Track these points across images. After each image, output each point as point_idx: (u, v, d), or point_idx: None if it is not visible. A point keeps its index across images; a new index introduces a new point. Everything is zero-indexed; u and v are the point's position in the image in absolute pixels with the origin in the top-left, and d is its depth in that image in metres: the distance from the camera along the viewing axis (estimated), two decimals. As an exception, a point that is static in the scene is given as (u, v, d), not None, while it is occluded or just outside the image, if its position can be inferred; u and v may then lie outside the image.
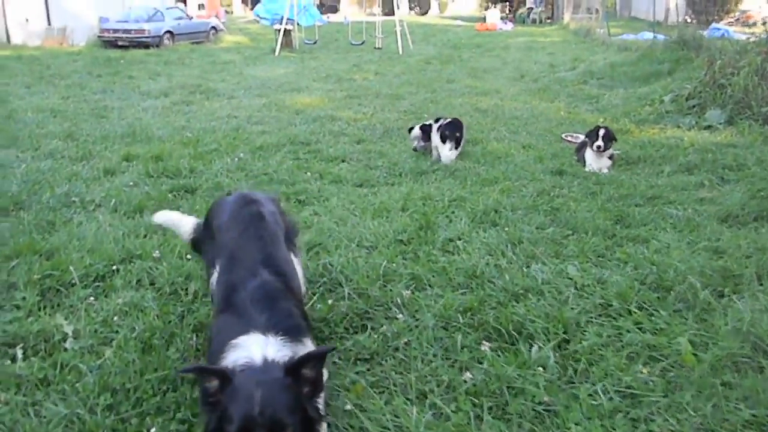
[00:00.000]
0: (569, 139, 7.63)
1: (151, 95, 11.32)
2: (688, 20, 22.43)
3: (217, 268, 2.52)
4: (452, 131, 6.40)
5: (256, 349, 2.07)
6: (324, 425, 2.10)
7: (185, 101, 10.68)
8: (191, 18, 23.38)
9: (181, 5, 24.84)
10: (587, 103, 10.50)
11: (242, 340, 2.16)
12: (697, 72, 9.96)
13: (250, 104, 10.41)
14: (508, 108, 10.06)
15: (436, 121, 6.77)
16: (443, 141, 6.42)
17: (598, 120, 8.78)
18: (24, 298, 3.28)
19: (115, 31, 20.06)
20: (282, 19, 20.04)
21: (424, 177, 5.97)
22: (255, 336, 2.18)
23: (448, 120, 6.61)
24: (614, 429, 2.30)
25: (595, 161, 6.31)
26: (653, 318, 3.12)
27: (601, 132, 6.31)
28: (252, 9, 36.63)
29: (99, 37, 20.33)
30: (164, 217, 3.27)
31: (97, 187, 5.31)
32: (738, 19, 22.65)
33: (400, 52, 18.90)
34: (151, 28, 19.94)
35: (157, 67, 15.61)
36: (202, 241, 2.94)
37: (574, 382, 2.61)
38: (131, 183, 5.46)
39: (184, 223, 3.19)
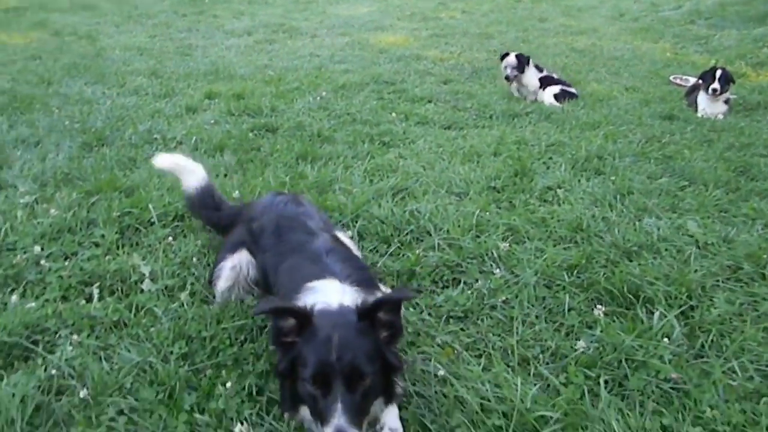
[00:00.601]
0: (678, 81, 6.95)
1: (235, 34, 11.17)
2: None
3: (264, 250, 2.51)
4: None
5: (333, 294, 1.98)
6: (402, 375, 2.00)
7: (268, 40, 10.47)
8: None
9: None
10: (696, 44, 9.59)
11: (319, 284, 2.08)
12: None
13: (332, 43, 10.09)
14: (606, 48, 9.32)
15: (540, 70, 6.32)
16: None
17: (709, 62, 7.99)
18: (103, 236, 3.16)
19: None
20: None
21: (517, 120, 5.54)
22: (332, 282, 2.10)
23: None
24: (759, 415, 1.94)
25: (709, 106, 5.69)
26: (794, 284, 2.69)
27: (718, 73, 5.67)
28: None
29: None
30: (168, 161, 3.03)
31: (179, 125, 5.18)
32: None
33: (489, -11, 17.96)
34: (235, -33, 19.74)
35: (241, 6, 15.43)
36: (227, 223, 2.91)
37: (704, 357, 2.24)
38: (212, 121, 5.30)
39: (190, 170, 3.00)
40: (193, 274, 2.85)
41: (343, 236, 2.73)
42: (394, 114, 5.59)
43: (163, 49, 9.28)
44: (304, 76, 7.12)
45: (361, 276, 2.22)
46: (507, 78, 6.30)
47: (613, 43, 9.80)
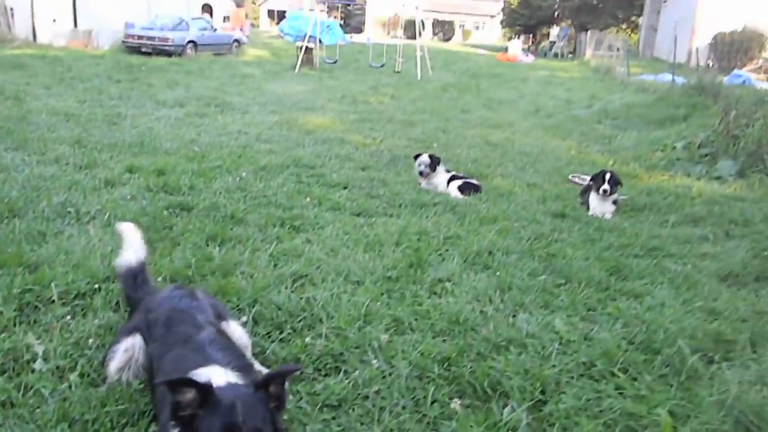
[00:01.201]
0: (576, 180, 7.56)
1: (167, 105, 11.39)
2: (711, 64, 22.31)
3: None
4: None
5: (218, 378, 2.17)
6: None
7: (199, 113, 10.73)
8: (215, 30, 23.64)
9: (206, 16, 25.11)
10: (599, 143, 10.45)
11: (203, 371, 2.26)
12: (712, 120, 9.87)
13: (262, 120, 10.44)
14: (519, 143, 10.02)
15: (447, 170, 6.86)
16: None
17: (607, 162, 8.74)
18: (1, 313, 3.23)
19: (140, 37, 20.31)
20: (305, 36, 20.20)
21: (424, 210, 5.90)
22: (215, 368, 2.29)
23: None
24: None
25: (599, 205, 6.23)
26: (636, 382, 3.02)
27: (607, 176, 6.24)
28: (278, 24, 37.01)
29: (123, 42, 20.59)
30: (126, 230, 3.25)
31: (95, 199, 5.28)
32: (761, 66, 22.50)
33: (419, 78, 18.96)
34: (175, 37, 20.18)
35: (177, 76, 15.74)
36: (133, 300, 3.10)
37: (546, 448, 2.52)
38: (129, 196, 5.43)
39: (131, 246, 3.19)
40: (86, 354, 2.95)
41: (235, 324, 2.92)
42: (308, 198, 5.87)
43: (91, 116, 9.37)
44: (227, 155, 7.37)
45: (241, 362, 2.45)
46: (420, 174, 6.72)
47: (525, 138, 10.55)
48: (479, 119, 12.35)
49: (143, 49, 19.92)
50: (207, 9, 28.65)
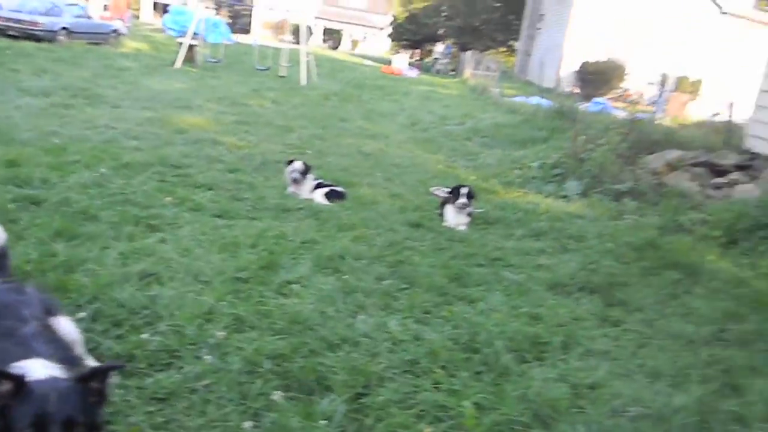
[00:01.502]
0: (437, 192, 7.95)
1: (31, 93, 10.82)
2: (576, 91, 24.06)
3: None
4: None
5: (39, 370, 2.20)
6: None
7: (65, 104, 10.28)
8: (90, 18, 22.55)
9: (82, 2, 23.89)
10: (466, 159, 11.02)
11: (25, 363, 2.26)
12: (566, 142, 10.71)
13: (133, 116, 10.16)
14: (391, 154, 10.38)
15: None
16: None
17: (469, 177, 9.24)
18: None
19: (7, 19, 19.01)
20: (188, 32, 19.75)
21: (287, 214, 6.04)
22: (38, 361, 2.30)
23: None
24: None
25: (454, 217, 6.63)
26: (453, 378, 3.33)
27: (464, 190, 6.66)
28: (162, 17, 35.84)
29: (-12, 23, 19.19)
30: None
31: (-67, 188, 5.01)
32: (620, 95, 24.53)
33: (303, 83, 19.06)
34: (46, 22, 19.07)
35: (46, 63, 14.92)
36: None
37: (360, 437, 2.75)
38: (-28, 187, 5.19)
39: None
40: None
41: (65, 320, 2.92)
42: (169, 198, 5.84)
43: (-59, 100, 8.74)
44: (89, 149, 7.15)
45: (66, 356, 2.48)
46: (294, 180, 6.83)
47: (397, 149, 10.94)
48: (357, 129, 12.65)
49: (10, 32, 18.65)
50: (85, -5, 27.24)
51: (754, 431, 3.26)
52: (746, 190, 7.68)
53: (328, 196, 6.69)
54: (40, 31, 18.86)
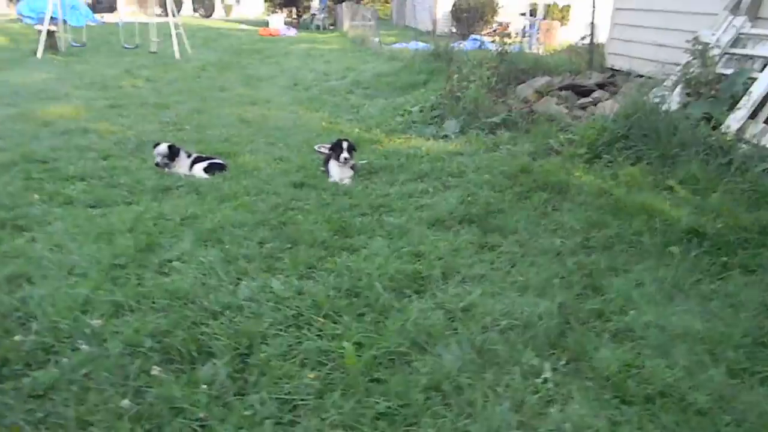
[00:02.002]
0: (321, 150, 8.01)
1: None
2: (453, 31, 24.43)
3: None
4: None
5: None
6: None
7: None
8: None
9: None
10: (349, 112, 11.07)
11: None
12: (444, 84, 10.94)
13: (-7, 115, 9.53)
14: (273, 118, 10.29)
15: (188, 155, 6.83)
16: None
17: (354, 130, 9.32)
18: None
19: None
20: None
21: (166, 193, 5.94)
22: None
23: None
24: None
25: (338, 172, 6.71)
26: (336, 324, 3.47)
27: (345, 144, 6.73)
28: (16, 5, 33.24)
29: None
30: None
31: None
32: (495, 30, 25.10)
33: (177, 57, 18.37)
34: None
35: None
36: None
37: (243, 394, 2.84)
38: None
39: None
40: None
41: None
42: (37, 195, 5.61)
43: None
44: (-57, 156, 6.71)
45: None
46: (157, 164, 6.64)
47: (280, 112, 10.84)
48: (237, 97, 12.40)
49: None
50: None
51: (612, 323, 3.60)
52: (607, 106, 8.18)
53: (207, 169, 6.60)
54: None
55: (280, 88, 14.05)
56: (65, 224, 4.96)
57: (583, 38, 15.47)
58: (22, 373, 2.95)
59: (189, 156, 6.84)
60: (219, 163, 6.79)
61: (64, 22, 20.11)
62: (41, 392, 2.79)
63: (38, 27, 18.76)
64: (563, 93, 9.08)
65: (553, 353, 3.29)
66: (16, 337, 3.19)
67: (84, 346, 3.10)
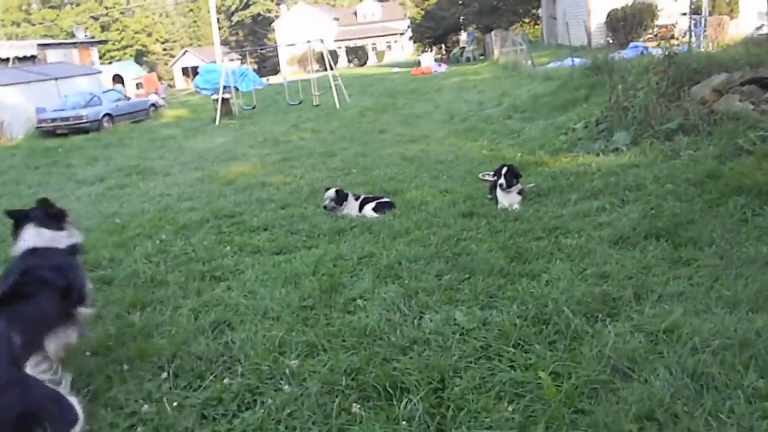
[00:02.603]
0: (486, 178, 7.92)
1: (87, 182, 11.42)
2: (610, 41, 23.42)
3: None
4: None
5: None
6: None
7: (120, 185, 10.80)
8: (129, 98, 23.67)
9: (118, 86, 25.11)
10: (509, 138, 10.92)
11: None
12: (607, 96, 10.44)
13: (184, 179, 10.58)
14: (433, 153, 10.40)
15: (357, 198, 7.07)
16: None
17: (517, 155, 9.15)
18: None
19: (53, 120, 20.22)
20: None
21: (342, 235, 6.15)
22: None
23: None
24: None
25: (505, 198, 6.58)
26: (527, 354, 3.32)
27: (504, 170, 6.61)
28: (192, 80, 37.16)
29: (37, 127, 20.43)
30: None
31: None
32: (656, 34, 23.70)
33: (338, 107, 19.35)
34: (89, 113, 20.15)
35: (96, 151, 15.74)
36: None
37: (443, 430, 2.78)
38: (50, 281, 5.53)
39: None
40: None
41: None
42: (228, 247, 6.06)
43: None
44: (148, 220, 7.50)
45: None
46: (325, 207, 6.94)
47: (440, 146, 10.94)
48: (396, 137, 12.73)
49: (59, 131, 19.83)
50: (118, 79, 28.63)
51: None
52: (802, 96, 7.29)
53: (376, 209, 6.77)
54: (85, 122, 19.94)
55: (437, 122, 14.24)
56: (255, 272, 5.28)
57: (759, 28, 14.12)
58: (233, 414, 3.13)
59: (357, 198, 7.06)
60: (387, 202, 6.94)
61: (236, 89, 22.09)
62: (252, 432, 2.93)
63: (214, 97, 20.76)
64: (746, 88, 8.24)
65: (781, 374, 2.88)
66: (225, 380, 3.40)
67: (285, 387, 3.23)
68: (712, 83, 8.81)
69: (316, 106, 20.27)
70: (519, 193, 6.68)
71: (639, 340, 3.29)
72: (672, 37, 19.97)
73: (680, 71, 9.43)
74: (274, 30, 69.01)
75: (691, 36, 16.98)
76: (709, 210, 5.29)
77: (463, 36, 39.56)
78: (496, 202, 6.67)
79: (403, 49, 51.91)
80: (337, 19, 69.46)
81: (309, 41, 21.30)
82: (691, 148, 7.22)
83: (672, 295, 3.85)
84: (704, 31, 20.04)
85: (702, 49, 13.31)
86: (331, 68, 21.19)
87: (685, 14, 22.76)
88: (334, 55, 32.55)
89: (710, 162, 6.47)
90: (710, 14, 21.57)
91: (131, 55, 66.84)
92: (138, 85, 30.51)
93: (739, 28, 20.84)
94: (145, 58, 70.14)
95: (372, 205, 6.83)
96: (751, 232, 4.69)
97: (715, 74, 9.36)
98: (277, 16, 73.26)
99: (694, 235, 4.81)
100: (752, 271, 3.99)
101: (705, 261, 4.33)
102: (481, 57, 35.14)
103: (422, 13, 45.42)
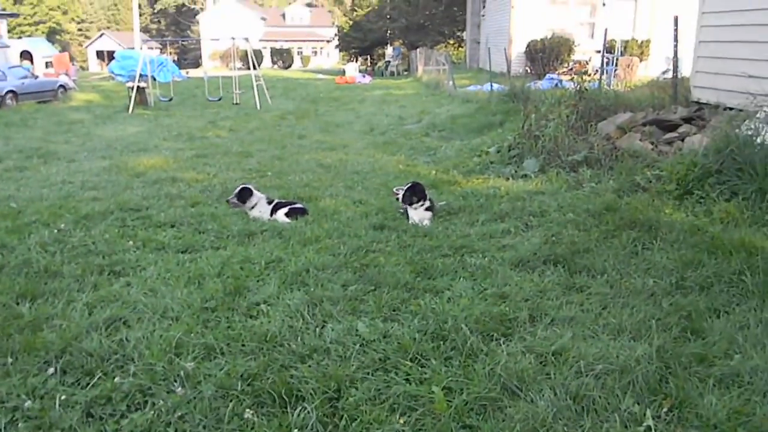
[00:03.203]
0: (399, 192, 8.05)
1: (-18, 161, 10.74)
2: (528, 70, 24.37)
3: None
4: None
5: None
6: None
7: (19, 167, 10.24)
8: (36, 77, 22.43)
9: (26, 63, 23.77)
10: (426, 155, 11.15)
11: None
12: (521, 123, 10.86)
13: (90, 167, 10.16)
14: (351, 162, 10.46)
15: (270, 202, 7.09)
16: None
17: (432, 172, 9.35)
18: None
19: (-49, 90, 18.90)
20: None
21: (251, 238, 6.09)
22: None
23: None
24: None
25: (415, 214, 6.72)
26: (423, 368, 3.41)
27: (406, 187, 6.80)
28: (107, 65, 35.68)
29: (-69, 97, 19.03)
30: None
31: None
32: (571, 68, 24.85)
33: (258, 108, 19.12)
34: (-9, 88, 18.96)
35: (-6, 129, 14.83)
36: None
37: (335, 439, 2.82)
38: (-74, 264, 5.18)
39: None
40: None
41: None
42: (131, 242, 5.87)
43: None
44: (46, 207, 7.14)
45: None
46: (227, 202, 7.12)
47: (358, 157, 11.03)
48: (315, 144, 12.73)
49: (-44, 105, 18.54)
50: (26, 56, 27.09)
51: (716, 368, 3.38)
52: (695, 141, 7.86)
53: (288, 214, 6.75)
54: (-14, 98, 18.75)
55: (357, 133, 14.33)
56: (158, 269, 5.15)
57: (665, 72, 15.11)
58: (121, 414, 3.04)
59: (270, 202, 7.02)
60: (300, 208, 6.94)
61: (153, 78, 21.40)
62: (139, 434, 2.86)
63: (129, 84, 20.03)
64: (647, 128, 8.81)
65: (654, 400, 3.10)
66: (116, 379, 3.30)
67: (179, 389, 3.17)
68: (616, 121, 9.37)
69: (236, 104, 19.95)
70: (429, 209, 6.84)
71: (529, 361, 3.44)
72: (585, 72, 21.06)
73: (589, 106, 9.97)
74: (198, 22, 67.37)
75: (602, 73, 17.94)
76: (604, 240, 5.60)
77: (389, 50, 40.11)
78: (407, 217, 6.80)
79: (329, 56, 51.98)
80: (264, 19, 68.62)
81: (234, 38, 20.95)
82: (594, 180, 7.63)
83: (564, 320, 4.05)
84: (615, 69, 21.22)
85: (611, 87, 14.06)
86: (255, 68, 20.92)
87: (599, 52, 24.06)
88: (258, 54, 32.13)
89: (609, 195, 6.86)
90: (622, 54, 22.87)
91: (43, 32, 63.40)
92: (48, 64, 28.91)
93: (648, 70, 22.18)
94: (58, 37, 66.75)
95: (285, 210, 6.80)
96: (640, 265, 5.00)
97: (621, 112, 9.97)
98: (202, 9, 71.61)
99: (589, 263, 5.08)
100: (638, 302, 4.26)
101: (596, 289, 4.58)
102: (405, 72, 35.69)
103: (350, 23, 45.66)
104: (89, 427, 2.93)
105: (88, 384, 3.31)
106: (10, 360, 3.54)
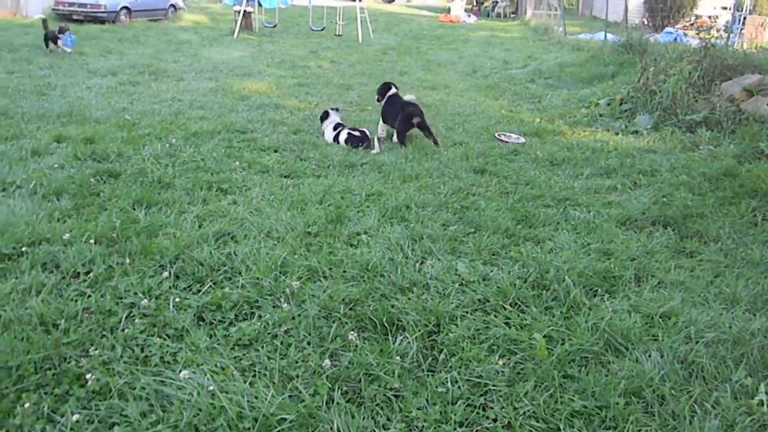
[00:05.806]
0: (503, 138, 7.87)
1: (99, 73, 11.24)
2: (645, 22, 22.92)
3: None
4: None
5: None
6: None
7: (132, 81, 10.64)
8: (150, -5, 23.04)
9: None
10: (530, 102, 10.79)
11: None
12: (636, 77, 10.28)
13: (197, 87, 10.44)
14: (452, 104, 10.27)
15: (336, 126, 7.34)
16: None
17: (535, 120, 9.05)
18: None
19: (71, 4, 19.69)
20: (244, 0, 19.92)
21: (351, 170, 6.14)
22: None
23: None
24: (453, 414, 2.53)
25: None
26: (523, 314, 3.36)
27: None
28: (217, -12, 36.15)
29: (53, 9, 19.93)
30: None
31: (21, 169, 5.35)
32: (693, 23, 23.21)
33: (360, 41, 18.98)
34: (108, 3, 19.62)
35: (110, 44, 15.43)
36: None
37: (433, 371, 2.83)
38: (56, 165, 5.51)
39: None
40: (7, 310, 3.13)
41: None
42: (237, 162, 6.04)
43: (20, 86, 9.25)
44: (158, 122, 7.43)
45: None
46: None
47: (459, 98, 10.80)
48: (416, 81, 12.55)
49: (75, 17, 19.34)
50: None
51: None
52: (832, 109, 7.21)
53: (347, 140, 7.08)
54: (103, 12, 19.46)
55: (459, 74, 14.02)
56: (262, 191, 5.28)
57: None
58: (230, 322, 3.17)
59: (336, 127, 7.33)
60: (358, 136, 7.09)
61: (259, 4, 21.54)
62: (247, 342, 2.98)
63: (237, 8, 20.26)
64: (777, 92, 8.14)
65: (769, 375, 2.94)
66: (226, 289, 3.44)
67: (284, 305, 3.27)
68: (743, 82, 8.68)
69: (339, 35, 19.86)
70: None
71: (635, 320, 3.33)
72: (710, 28, 19.61)
73: (714, 65, 9.27)
74: (306, -49, 67.00)
75: (730, 31, 16.65)
76: (720, 207, 5.29)
77: (498, -11, 38.61)
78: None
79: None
80: (371, -49, 67.38)
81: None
82: (712, 143, 7.17)
83: (672, 283, 3.88)
84: (741, 28, 19.64)
85: (737, 47, 13.02)
86: (359, 0, 20.67)
87: (726, 8, 22.31)
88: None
89: (729, 160, 6.44)
90: (751, 13, 21.08)
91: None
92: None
93: (779, 32, 20.37)
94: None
95: (345, 135, 7.05)
96: (759, 236, 4.70)
97: (748, 73, 9.22)
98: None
99: (702, 229, 4.82)
100: (754, 274, 4.02)
101: (709, 256, 4.35)
102: (513, 15, 34.33)
103: (461, -41, 44.06)
104: (200, 329, 3.08)
105: (199, 290, 3.47)
106: (128, 260, 3.75)
